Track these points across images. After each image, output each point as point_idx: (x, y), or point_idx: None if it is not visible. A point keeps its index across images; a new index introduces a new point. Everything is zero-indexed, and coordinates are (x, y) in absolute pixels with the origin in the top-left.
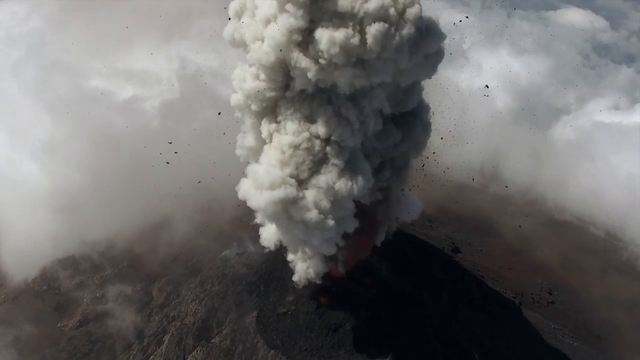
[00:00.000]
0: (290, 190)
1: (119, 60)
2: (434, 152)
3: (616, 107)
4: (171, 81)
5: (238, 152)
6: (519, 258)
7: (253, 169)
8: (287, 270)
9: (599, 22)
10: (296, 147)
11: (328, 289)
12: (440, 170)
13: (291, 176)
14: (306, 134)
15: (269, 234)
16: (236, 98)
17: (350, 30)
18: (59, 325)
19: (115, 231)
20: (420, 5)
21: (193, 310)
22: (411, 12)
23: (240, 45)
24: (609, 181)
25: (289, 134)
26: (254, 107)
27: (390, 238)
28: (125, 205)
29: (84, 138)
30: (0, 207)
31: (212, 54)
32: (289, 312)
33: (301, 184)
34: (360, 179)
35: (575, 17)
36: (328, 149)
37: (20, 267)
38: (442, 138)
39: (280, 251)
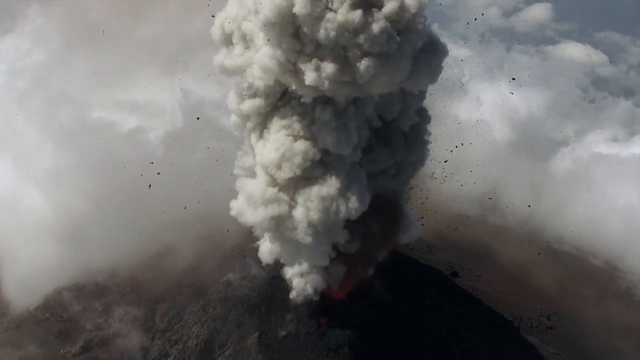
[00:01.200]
0: (281, 208)
1: (122, 93)
2: (437, 178)
3: (614, 139)
4: (174, 112)
5: (236, 171)
6: (518, 285)
7: (243, 184)
8: (289, 292)
9: (598, 57)
10: (282, 160)
11: (328, 310)
12: (440, 200)
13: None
14: (297, 146)
15: (266, 248)
16: (234, 119)
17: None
18: (61, 351)
19: (118, 259)
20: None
21: (195, 333)
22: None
23: (233, 73)
24: (608, 211)
25: (273, 148)
26: (250, 124)
27: (387, 259)
28: (129, 233)
29: (87, 167)
30: (4, 235)
31: (214, 85)
32: (291, 333)
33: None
34: (354, 199)
35: (574, 51)
36: (321, 161)
37: (23, 295)
38: (445, 161)
39: (282, 273)
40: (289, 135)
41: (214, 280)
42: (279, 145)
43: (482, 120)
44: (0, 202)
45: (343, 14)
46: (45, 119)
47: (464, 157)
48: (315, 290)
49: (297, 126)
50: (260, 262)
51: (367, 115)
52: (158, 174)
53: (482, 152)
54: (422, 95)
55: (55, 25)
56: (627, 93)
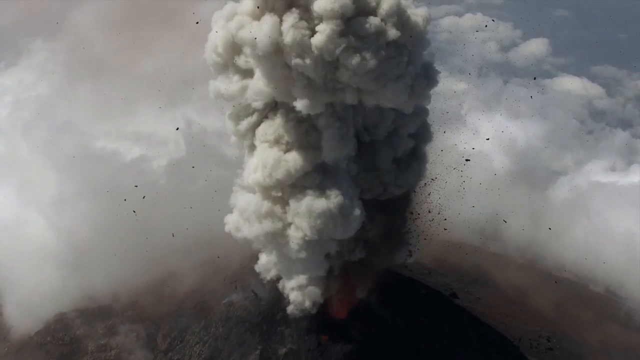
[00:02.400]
0: (274, 225)
1: (125, 124)
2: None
3: (612, 169)
4: (177, 141)
5: (235, 188)
6: (517, 307)
7: (237, 198)
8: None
9: (595, 90)
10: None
11: (329, 327)
12: (440, 228)
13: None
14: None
15: (264, 261)
16: (233, 139)
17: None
18: None
19: (120, 284)
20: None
21: (197, 352)
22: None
23: (229, 99)
24: (607, 239)
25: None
26: (246, 142)
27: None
28: (131, 259)
29: (91, 194)
30: (7, 261)
31: (216, 115)
32: (292, 350)
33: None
34: (352, 220)
35: (572, 84)
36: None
37: (24, 320)
38: (446, 183)
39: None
40: (275, 146)
41: (216, 301)
42: (266, 157)
43: (481, 151)
44: (4, 228)
45: (321, 41)
46: (49, 148)
47: (464, 186)
48: (314, 304)
49: (289, 135)
50: (263, 282)
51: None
52: (143, 197)
53: (481, 181)
54: (418, 117)
55: (59, 59)
56: (625, 124)
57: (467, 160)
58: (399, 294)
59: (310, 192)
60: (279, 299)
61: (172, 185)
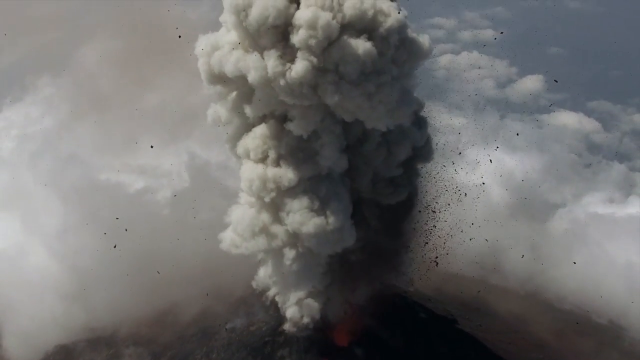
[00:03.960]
0: (268, 242)
1: (130, 157)
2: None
3: (610, 201)
4: (180, 173)
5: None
6: (519, 335)
7: (231, 214)
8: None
9: (592, 124)
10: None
11: (330, 350)
12: (441, 260)
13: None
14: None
15: (262, 275)
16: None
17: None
18: None
19: (122, 315)
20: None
21: None
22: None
23: (227, 122)
24: (608, 269)
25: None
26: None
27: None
28: (134, 290)
29: (94, 225)
30: (8, 291)
31: (218, 148)
32: None
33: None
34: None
35: (568, 119)
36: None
37: (24, 351)
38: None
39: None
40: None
41: (218, 328)
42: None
43: (479, 184)
44: (6, 258)
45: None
46: (54, 179)
47: (463, 219)
48: (312, 319)
49: (279, 148)
50: (265, 304)
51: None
52: (125, 230)
53: (480, 214)
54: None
55: (65, 94)
56: (621, 157)
57: (464, 194)
58: (399, 317)
59: (304, 200)
60: (280, 322)
61: (175, 216)
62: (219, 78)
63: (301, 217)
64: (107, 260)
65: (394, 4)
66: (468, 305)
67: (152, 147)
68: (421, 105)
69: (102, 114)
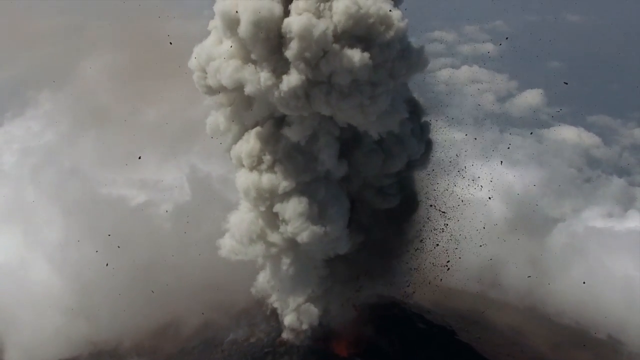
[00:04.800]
0: (266, 249)
1: (131, 172)
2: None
3: (610, 215)
4: (182, 186)
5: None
6: (518, 348)
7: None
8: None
9: (591, 139)
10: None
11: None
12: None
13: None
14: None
15: (261, 281)
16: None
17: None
18: None
19: (124, 329)
20: None
21: None
22: None
23: (224, 133)
24: (606, 283)
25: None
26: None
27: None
28: (136, 304)
29: (96, 239)
30: (10, 305)
31: (219, 162)
32: None
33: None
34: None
35: (568, 133)
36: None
37: None
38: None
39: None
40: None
41: (219, 340)
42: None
43: (479, 198)
44: (8, 271)
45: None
46: (55, 193)
47: (462, 234)
48: (310, 326)
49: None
50: (266, 318)
51: None
52: (118, 247)
53: (479, 228)
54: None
55: (65, 109)
56: (620, 172)
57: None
58: (398, 327)
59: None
60: (281, 333)
61: (177, 229)
62: (216, 89)
63: (297, 225)
64: (109, 274)
65: (397, 12)
66: (467, 318)
67: (139, 157)
68: (422, 110)
69: (103, 128)
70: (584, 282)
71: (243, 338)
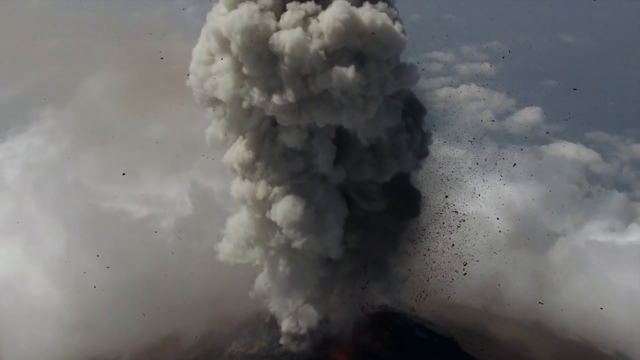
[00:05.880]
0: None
1: (132, 187)
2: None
3: (611, 229)
4: (184, 201)
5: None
6: None
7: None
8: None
9: (590, 155)
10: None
11: None
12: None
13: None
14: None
15: (259, 283)
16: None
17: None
18: None
19: (123, 344)
20: None
21: None
22: None
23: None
24: (609, 297)
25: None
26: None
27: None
28: (136, 319)
29: (97, 253)
30: (8, 318)
31: (220, 177)
32: None
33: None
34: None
35: (566, 150)
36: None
37: None
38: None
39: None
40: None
41: (219, 351)
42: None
43: (479, 214)
44: (7, 285)
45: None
46: (57, 207)
47: (463, 249)
48: (309, 330)
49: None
50: (267, 328)
51: None
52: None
53: (481, 243)
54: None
55: (68, 125)
56: (620, 186)
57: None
58: (399, 337)
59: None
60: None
61: (179, 243)
62: (215, 102)
63: (292, 233)
64: (109, 287)
65: (398, 26)
66: (470, 331)
67: (123, 174)
68: (422, 113)
69: (105, 144)
70: (583, 295)
71: (244, 349)
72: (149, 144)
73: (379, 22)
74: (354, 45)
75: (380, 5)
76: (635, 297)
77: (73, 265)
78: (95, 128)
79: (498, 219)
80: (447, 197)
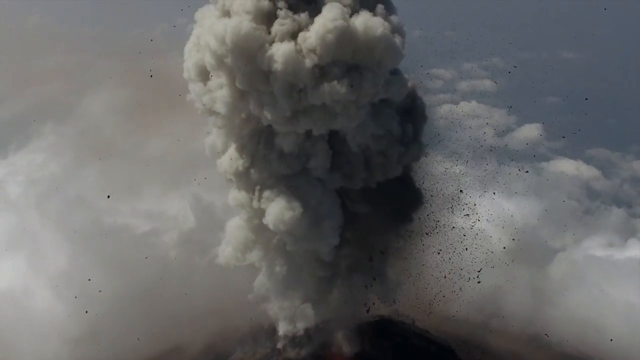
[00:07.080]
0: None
1: (134, 202)
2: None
3: (610, 245)
4: (186, 215)
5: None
6: None
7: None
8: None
9: (591, 172)
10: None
11: None
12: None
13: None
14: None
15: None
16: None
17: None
18: None
19: (127, 357)
20: None
21: None
22: None
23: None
24: (607, 311)
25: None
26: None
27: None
28: (139, 332)
29: (100, 268)
30: (11, 332)
31: (221, 191)
32: None
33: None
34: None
35: (567, 166)
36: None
37: None
38: (445, 277)
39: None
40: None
41: None
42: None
43: (479, 229)
44: (11, 298)
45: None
46: (60, 222)
47: (462, 264)
48: (305, 330)
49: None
50: (269, 335)
51: None
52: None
53: (480, 259)
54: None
55: (69, 141)
56: (622, 204)
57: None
58: (398, 345)
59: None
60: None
61: (181, 257)
62: (215, 112)
63: (289, 241)
64: (113, 301)
65: (399, 40)
66: (468, 342)
67: (108, 196)
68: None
69: (106, 160)
70: (581, 309)
71: (246, 357)
72: (151, 160)
73: (378, 32)
74: (347, 58)
75: (380, 11)
76: (633, 311)
77: (76, 279)
78: (96, 144)
79: (500, 238)
80: (461, 191)
